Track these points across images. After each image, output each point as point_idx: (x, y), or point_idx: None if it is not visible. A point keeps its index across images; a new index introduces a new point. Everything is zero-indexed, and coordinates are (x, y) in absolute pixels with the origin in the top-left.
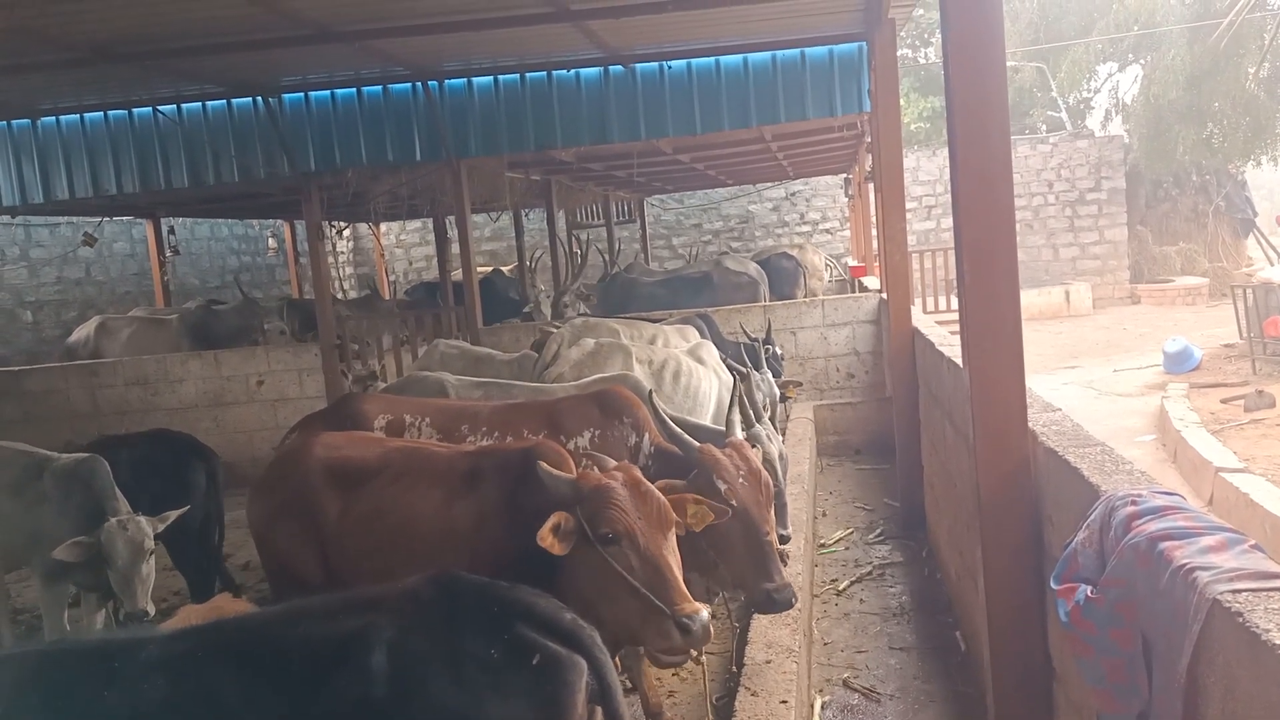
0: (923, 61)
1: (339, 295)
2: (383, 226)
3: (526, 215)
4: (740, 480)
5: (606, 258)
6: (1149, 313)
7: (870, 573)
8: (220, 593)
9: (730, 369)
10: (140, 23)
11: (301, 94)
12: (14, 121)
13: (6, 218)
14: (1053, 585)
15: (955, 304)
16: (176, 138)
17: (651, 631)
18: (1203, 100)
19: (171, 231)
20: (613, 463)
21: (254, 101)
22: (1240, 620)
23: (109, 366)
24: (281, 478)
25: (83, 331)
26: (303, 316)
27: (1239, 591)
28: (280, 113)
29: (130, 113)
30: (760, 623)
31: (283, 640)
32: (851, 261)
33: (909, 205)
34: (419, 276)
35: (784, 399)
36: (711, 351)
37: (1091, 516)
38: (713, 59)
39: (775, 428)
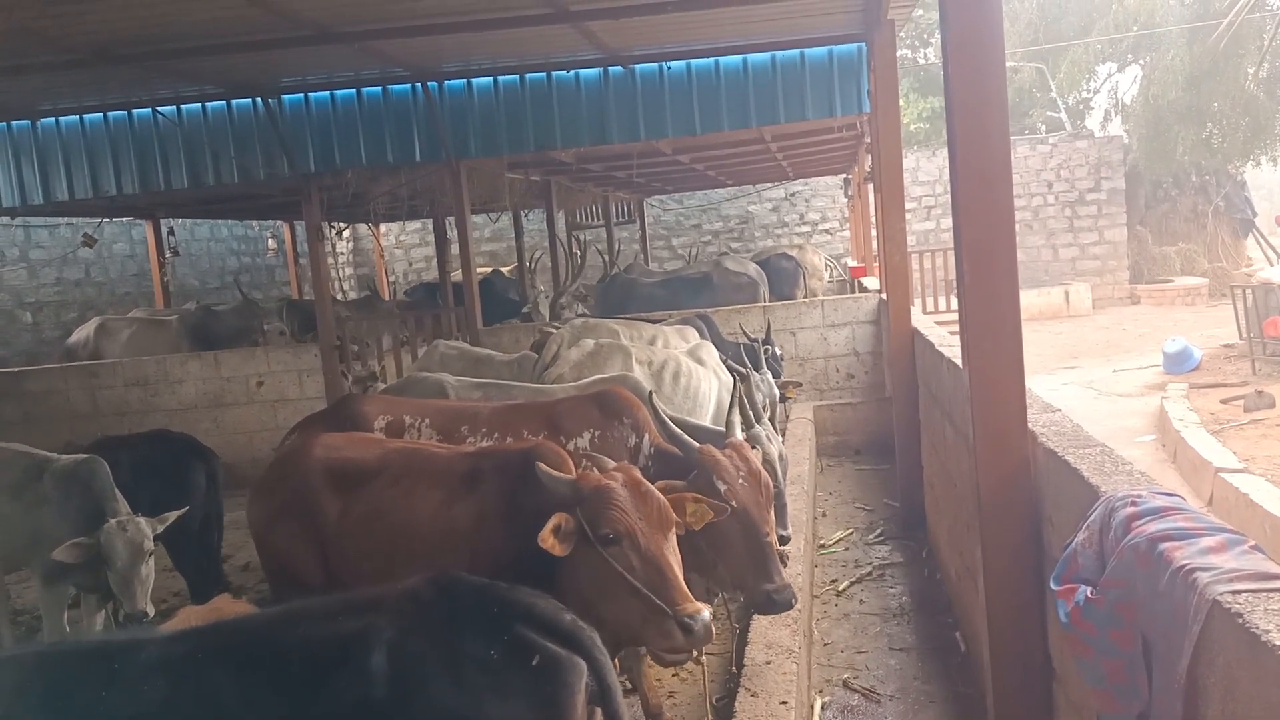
0: (922, 62)
1: (339, 296)
2: (382, 227)
3: (526, 216)
4: (740, 481)
5: (606, 258)
6: (1148, 313)
7: (870, 573)
8: (219, 594)
9: (730, 370)
10: (140, 24)
11: (301, 95)
12: (14, 123)
13: (6, 219)
14: (1052, 586)
15: (955, 304)
16: (176, 139)
17: (653, 631)
18: (1202, 100)
19: (171, 232)
20: (612, 464)
21: (253, 102)
22: (1240, 621)
23: (109, 367)
24: (281, 479)
25: (82, 332)
26: (302, 317)
27: (1239, 592)
28: (280, 114)
29: (130, 114)
30: (760, 623)
31: (282, 641)
32: (851, 262)
33: (908, 205)
34: (419, 277)
35: (784, 399)
36: (711, 352)
37: (1091, 517)
38: (712, 60)
39: (775, 428)
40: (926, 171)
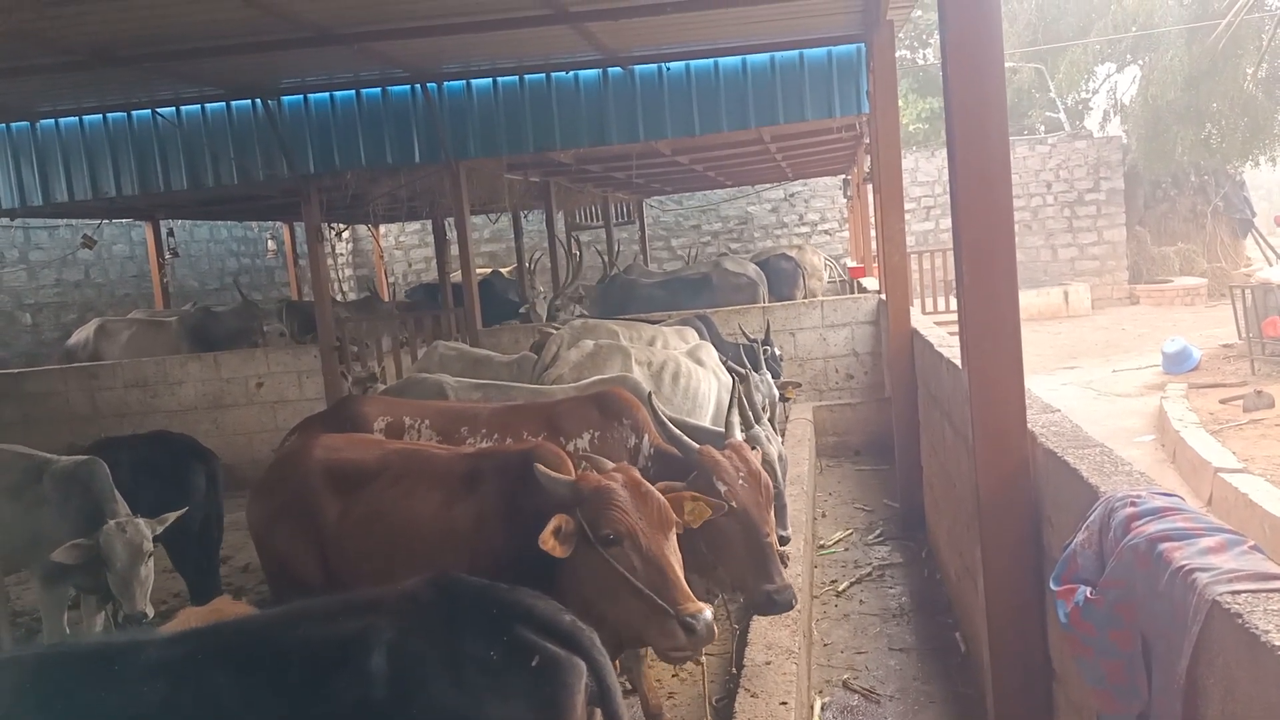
0: (921, 62)
1: (338, 297)
2: (382, 228)
3: (525, 217)
4: (740, 482)
5: (605, 259)
6: (1148, 313)
7: (870, 574)
8: (219, 595)
9: (729, 370)
10: (139, 25)
11: (300, 96)
12: (13, 124)
13: (5, 220)
14: (1052, 586)
15: (954, 305)
16: (175, 140)
17: (655, 631)
18: (1201, 101)
19: (171, 234)
20: (611, 465)
21: (253, 104)
22: (1239, 621)
23: (108, 369)
24: (281, 479)
25: (82, 334)
26: (302, 318)
27: (1238, 593)
28: (279, 115)
29: (129, 115)
30: (760, 624)
31: (282, 642)
32: (850, 262)
33: (908, 206)
34: (418, 278)
35: (783, 400)
36: (711, 353)
37: (1091, 517)
38: (711, 60)
39: (774, 429)
40: (925, 172)
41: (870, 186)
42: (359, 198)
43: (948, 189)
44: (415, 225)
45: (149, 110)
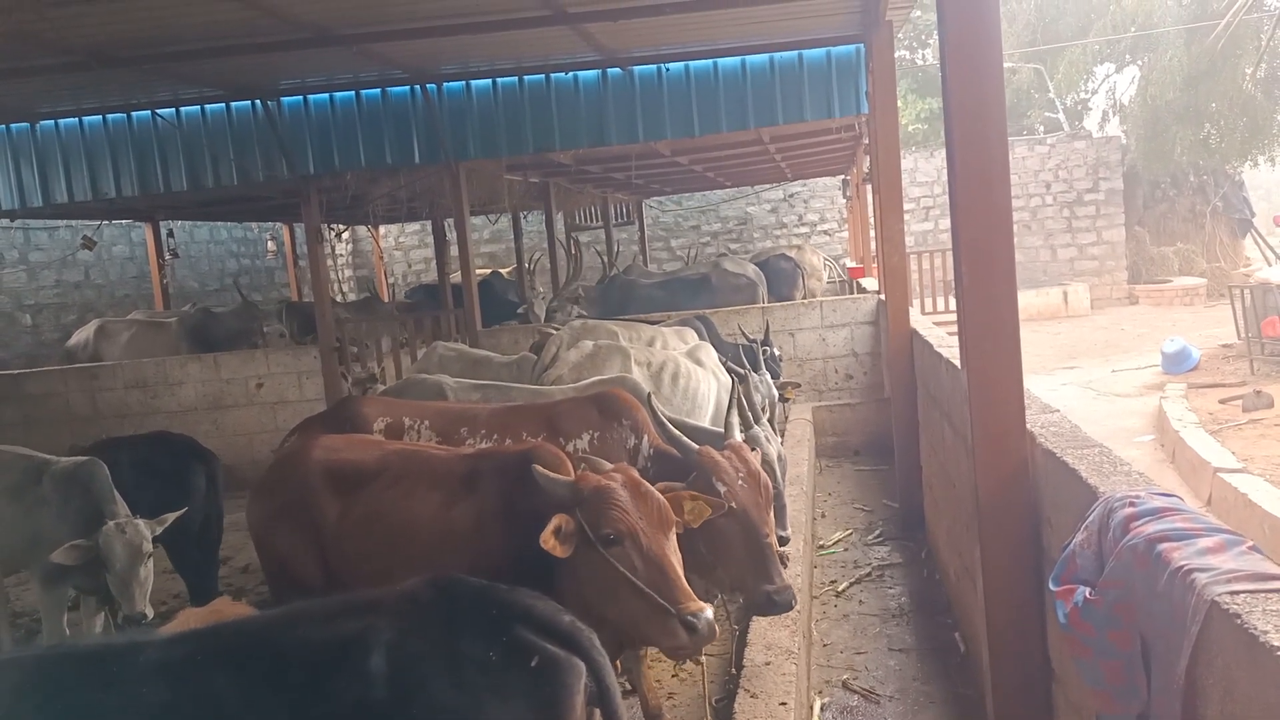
0: (920, 63)
1: (338, 298)
2: (381, 229)
3: (525, 217)
4: (739, 482)
5: (605, 260)
6: (1147, 313)
7: (869, 574)
8: (219, 596)
9: (729, 371)
10: (138, 27)
11: (300, 97)
12: (12, 125)
13: (5, 221)
14: (1051, 587)
15: (953, 305)
16: (175, 141)
17: (657, 630)
18: (1200, 101)
19: (170, 234)
20: (609, 466)
21: (252, 105)
22: (1238, 622)
23: (108, 369)
24: (281, 480)
25: (82, 334)
26: (302, 319)
27: (1237, 593)
28: (279, 116)
29: (129, 116)
30: (759, 624)
31: (282, 643)
32: (850, 263)
33: (907, 206)
34: (418, 279)
35: (783, 400)
36: (710, 353)
37: (1090, 518)
38: (710, 61)
39: (774, 429)
40: (925, 172)
41: (869, 187)
42: (359, 198)
43: (947, 189)
44: (415, 226)
45: (148, 111)
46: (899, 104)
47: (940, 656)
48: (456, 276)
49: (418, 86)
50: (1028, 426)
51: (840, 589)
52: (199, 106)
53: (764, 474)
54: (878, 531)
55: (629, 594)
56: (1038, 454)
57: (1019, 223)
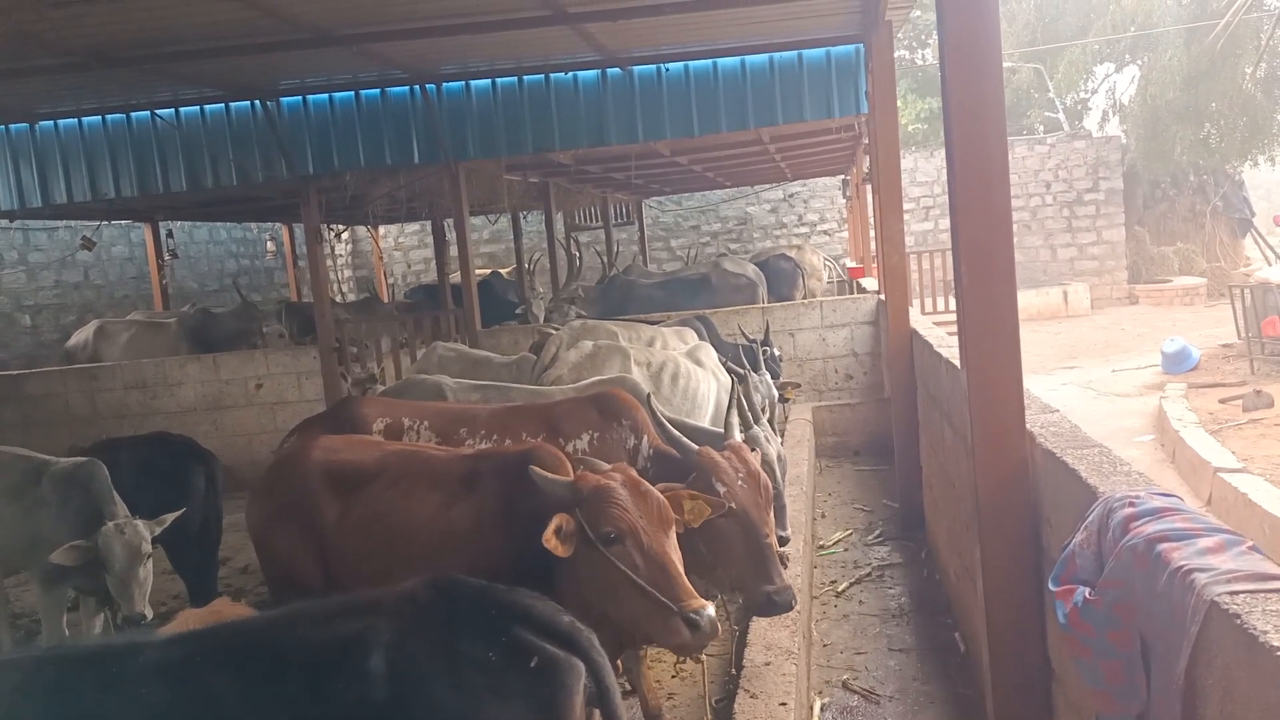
0: (920, 63)
1: (337, 298)
2: (381, 229)
3: (525, 217)
4: (739, 482)
5: (605, 260)
6: (1147, 313)
7: (869, 574)
8: (218, 597)
9: (729, 371)
10: (138, 27)
11: (299, 97)
12: (12, 126)
13: (4, 222)
14: (1051, 587)
15: (953, 305)
16: (174, 141)
17: (659, 628)
18: (1200, 100)
19: (170, 235)
20: (607, 466)
21: (252, 105)
22: (1238, 622)
23: (108, 370)
24: (280, 481)
25: (81, 335)
26: (301, 319)
27: (1237, 593)
28: (278, 116)
29: (128, 116)
30: (759, 625)
31: (281, 644)
32: (850, 263)
33: (907, 206)
34: (417, 279)
35: (782, 400)
36: (710, 353)
37: (1089, 518)
38: (710, 61)
39: (774, 429)
40: (924, 172)
41: (869, 187)
42: (358, 199)
43: (946, 189)
44: (414, 226)
45: (148, 112)
46: (899, 104)
47: (940, 656)
48: (456, 277)
49: (417, 87)
50: (1027, 426)
51: (840, 589)
52: (198, 107)
53: (764, 474)
54: (878, 531)
55: (631, 592)
56: (1037, 454)
57: (1019, 222)
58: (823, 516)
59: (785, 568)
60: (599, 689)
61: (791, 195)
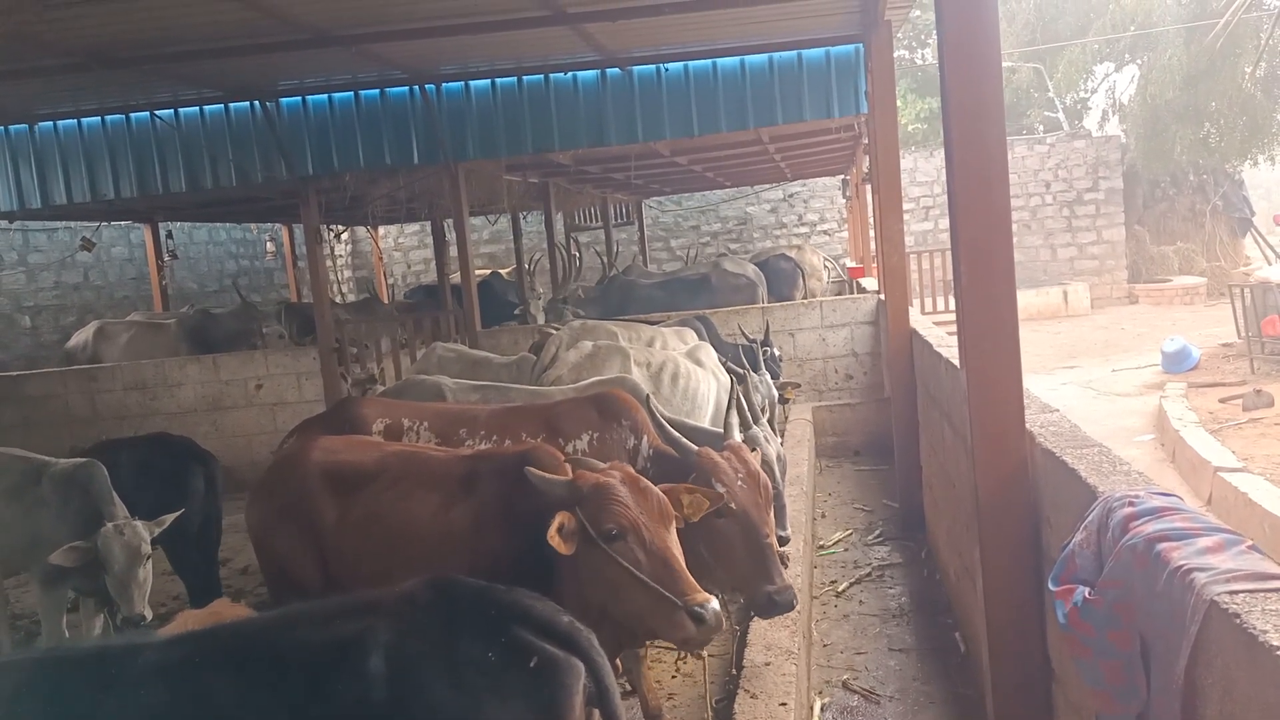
0: (920, 62)
1: (337, 299)
2: (381, 230)
3: (524, 218)
4: (739, 483)
5: (605, 260)
6: (1147, 312)
7: (869, 574)
8: (218, 598)
9: (728, 371)
10: (137, 28)
11: (299, 98)
12: (11, 127)
13: (4, 223)
14: (1051, 586)
15: (953, 305)
16: (174, 142)
17: (664, 623)
18: (1200, 100)
19: (169, 236)
20: (603, 465)
21: (251, 106)
22: (1238, 621)
23: (107, 371)
24: (280, 481)
25: (81, 336)
26: (301, 320)
27: (1236, 593)
28: (278, 117)
29: (128, 117)
30: (759, 625)
31: (281, 645)
32: (849, 263)
33: (906, 206)
34: (417, 279)
35: (782, 400)
36: (710, 354)
37: (1089, 518)
38: (710, 61)
39: (774, 429)
40: (924, 172)
41: (869, 187)
42: (358, 199)
43: (946, 189)
44: (414, 227)
45: (147, 112)
46: (898, 104)
47: (940, 656)
48: (456, 277)
49: (417, 87)
50: (1027, 426)
51: (840, 589)
52: (198, 108)
53: (763, 474)
54: (878, 531)
55: (634, 588)
56: (1037, 454)
57: (1019, 222)
58: (823, 516)
59: (785, 568)
60: (599, 689)
61: (791, 195)
